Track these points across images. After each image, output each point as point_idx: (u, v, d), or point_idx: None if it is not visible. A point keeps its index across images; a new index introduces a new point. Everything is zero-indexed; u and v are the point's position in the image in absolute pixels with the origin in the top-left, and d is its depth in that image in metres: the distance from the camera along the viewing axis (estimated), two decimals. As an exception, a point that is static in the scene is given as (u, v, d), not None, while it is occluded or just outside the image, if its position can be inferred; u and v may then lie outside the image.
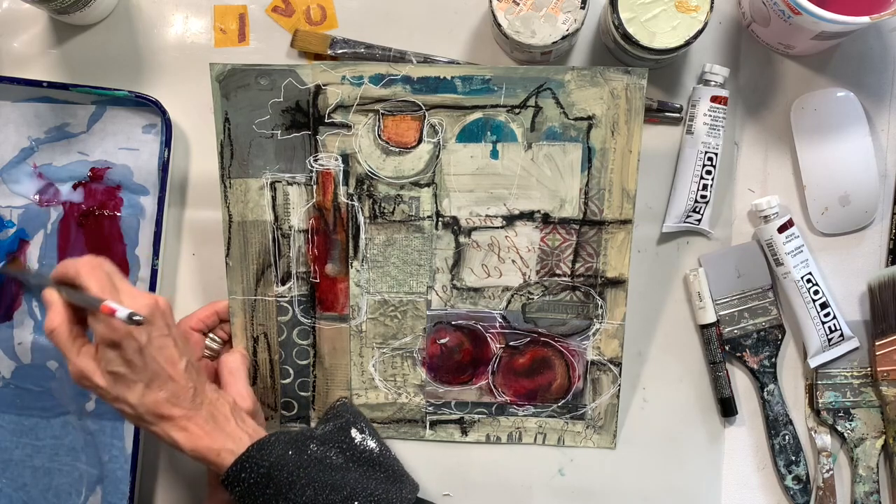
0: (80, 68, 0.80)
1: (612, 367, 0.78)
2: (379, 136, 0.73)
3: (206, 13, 0.81)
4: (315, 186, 0.75)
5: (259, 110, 0.73)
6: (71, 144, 0.80)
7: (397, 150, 0.74)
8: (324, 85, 0.73)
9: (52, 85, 0.78)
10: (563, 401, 0.79)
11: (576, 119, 0.73)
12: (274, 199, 0.75)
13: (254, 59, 0.80)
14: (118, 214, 0.80)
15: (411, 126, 0.73)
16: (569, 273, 0.76)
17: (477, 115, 0.73)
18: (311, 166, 0.74)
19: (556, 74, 0.72)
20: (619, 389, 0.78)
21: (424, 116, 0.73)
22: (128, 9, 0.81)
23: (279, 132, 0.74)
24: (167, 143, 0.78)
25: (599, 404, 0.79)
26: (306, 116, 0.73)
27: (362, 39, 0.79)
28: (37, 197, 0.80)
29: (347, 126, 0.74)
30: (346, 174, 0.74)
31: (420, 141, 0.74)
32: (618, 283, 0.76)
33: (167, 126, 0.77)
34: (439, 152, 0.74)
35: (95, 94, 0.78)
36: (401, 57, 0.78)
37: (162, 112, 0.78)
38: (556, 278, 0.76)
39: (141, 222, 0.80)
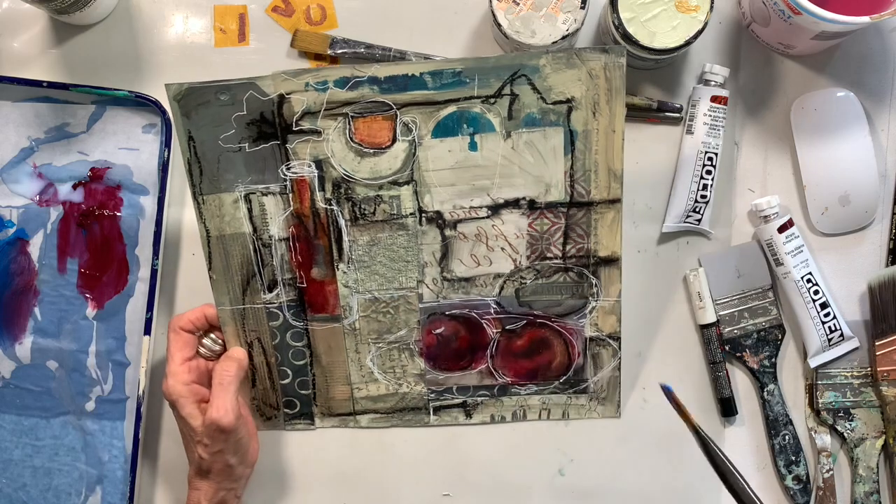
0: (80, 68, 0.80)
1: (611, 341, 0.77)
2: (351, 138, 0.72)
3: (206, 13, 0.81)
4: (291, 195, 0.73)
5: (223, 125, 0.72)
6: (71, 144, 0.80)
7: (371, 151, 0.72)
8: (287, 94, 0.71)
9: (52, 85, 0.78)
10: (564, 377, 0.79)
11: (554, 103, 0.71)
12: (250, 210, 0.74)
13: (254, 59, 0.80)
14: (118, 214, 0.80)
15: (383, 126, 0.72)
16: (560, 255, 0.75)
17: (451, 108, 0.72)
18: (285, 175, 0.73)
19: (531, 60, 0.70)
20: (619, 362, 0.78)
21: (396, 115, 0.72)
22: (128, 9, 0.81)
23: (247, 145, 0.72)
24: (167, 143, 0.78)
25: (601, 377, 0.78)
26: (273, 127, 0.72)
27: (362, 39, 0.79)
28: (37, 197, 0.80)
29: (317, 132, 0.72)
30: (322, 179, 0.73)
31: (394, 140, 0.72)
32: (611, 261, 0.75)
33: (167, 126, 0.77)
34: (415, 150, 0.72)
35: (95, 94, 0.78)
36: (401, 57, 0.78)
37: (162, 112, 0.78)
38: (547, 261, 0.75)
39: (141, 222, 0.80)
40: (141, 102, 0.78)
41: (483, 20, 0.79)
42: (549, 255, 0.75)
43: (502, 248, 0.75)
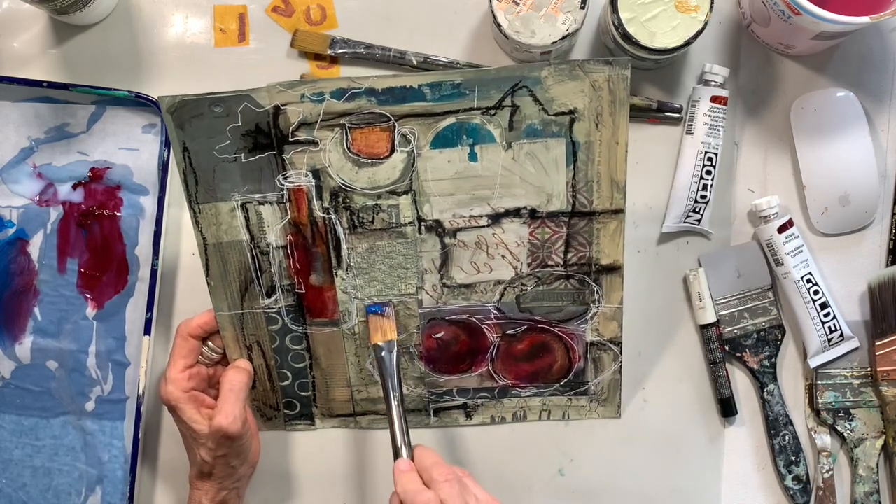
0: (80, 68, 0.80)
1: (612, 346, 0.77)
2: (348, 149, 0.71)
3: (206, 13, 0.81)
4: (288, 204, 0.73)
5: (218, 136, 0.71)
6: (71, 144, 0.80)
7: (369, 161, 0.72)
8: (283, 105, 0.70)
9: (52, 85, 0.78)
10: (564, 380, 0.79)
11: (556, 114, 0.70)
12: (247, 219, 0.73)
13: (254, 59, 0.80)
14: (118, 214, 0.80)
15: (381, 137, 0.71)
16: (561, 263, 0.75)
17: (450, 120, 0.70)
18: (281, 184, 0.72)
19: (532, 72, 0.69)
20: (620, 366, 0.78)
21: (394, 127, 0.70)
22: (128, 9, 0.81)
23: (242, 155, 0.71)
24: (167, 143, 0.78)
25: (602, 380, 0.79)
26: (268, 137, 0.71)
27: (362, 39, 0.79)
28: (37, 197, 0.80)
29: (314, 142, 0.71)
30: (319, 189, 0.72)
31: (392, 151, 0.71)
32: (613, 269, 0.75)
33: (166, 127, 0.77)
34: (414, 160, 0.72)
35: (95, 94, 0.78)
36: (401, 57, 0.78)
37: (161, 112, 0.78)
38: (548, 269, 0.75)
39: (141, 222, 0.80)
40: (141, 102, 0.78)
41: (483, 20, 0.79)
42: (550, 262, 0.75)
43: (503, 256, 0.75)
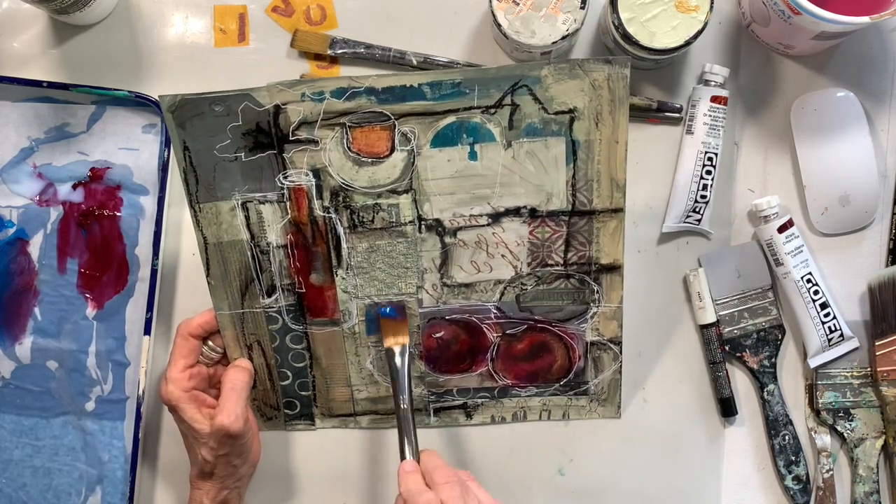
0: (80, 68, 0.80)
1: (612, 346, 0.78)
2: (349, 148, 0.71)
3: (206, 13, 0.81)
4: (288, 203, 0.73)
5: (219, 135, 0.71)
6: (71, 144, 0.80)
7: (369, 160, 0.72)
8: (283, 104, 0.70)
9: (52, 85, 0.78)
10: (565, 380, 0.79)
11: (556, 113, 0.70)
12: (247, 218, 0.73)
13: (254, 59, 0.80)
14: (118, 214, 0.80)
15: (381, 136, 0.71)
16: (561, 262, 0.75)
17: (450, 119, 0.70)
18: (282, 183, 0.72)
19: (532, 71, 0.69)
20: (620, 365, 0.78)
21: (394, 126, 0.70)
22: (128, 9, 0.81)
23: (243, 154, 0.71)
24: (167, 143, 0.78)
25: (602, 380, 0.79)
26: (269, 137, 0.71)
27: (362, 39, 0.79)
28: (37, 197, 0.80)
29: (314, 141, 0.71)
30: (320, 188, 0.72)
31: (392, 150, 0.71)
32: (613, 268, 0.75)
33: (167, 126, 0.77)
34: (414, 159, 0.72)
35: (95, 94, 0.78)
36: (401, 57, 0.78)
37: (162, 112, 0.78)
38: (548, 268, 0.75)
39: (141, 222, 0.80)
40: (141, 102, 0.78)
41: (483, 20, 0.79)
42: (550, 262, 0.75)
43: (503, 255, 0.75)
